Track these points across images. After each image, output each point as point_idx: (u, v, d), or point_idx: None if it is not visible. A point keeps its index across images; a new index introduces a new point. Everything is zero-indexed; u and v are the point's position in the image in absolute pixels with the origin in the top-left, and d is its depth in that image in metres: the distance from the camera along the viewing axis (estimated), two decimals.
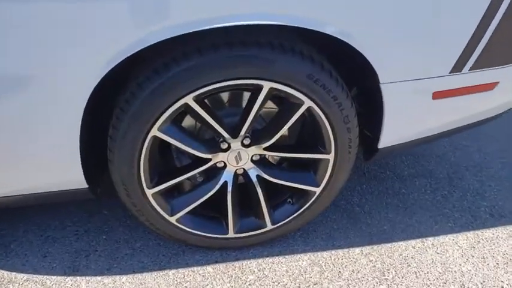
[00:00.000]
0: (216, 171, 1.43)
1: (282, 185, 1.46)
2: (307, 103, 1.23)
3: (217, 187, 1.41)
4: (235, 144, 1.35)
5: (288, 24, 1.12)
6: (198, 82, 1.14)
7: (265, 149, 1.36)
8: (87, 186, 1.36)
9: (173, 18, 1.05)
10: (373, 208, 1.84)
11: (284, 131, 1.30)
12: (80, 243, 1.65)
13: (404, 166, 2.14)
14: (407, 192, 1.95)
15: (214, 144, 1.36)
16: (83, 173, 1.28)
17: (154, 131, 1.21)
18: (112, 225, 1.73)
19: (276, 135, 1.31)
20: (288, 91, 1.20)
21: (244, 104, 1.43)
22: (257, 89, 1.21)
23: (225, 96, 1.42)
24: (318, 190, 1.46)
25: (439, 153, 2.24)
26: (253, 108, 1.23)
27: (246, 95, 1.42)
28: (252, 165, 1.42)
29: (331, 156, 1.37)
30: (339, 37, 1.15)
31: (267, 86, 1.18)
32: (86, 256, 1.59)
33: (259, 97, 1.21)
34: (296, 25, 1.12)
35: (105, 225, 1.74)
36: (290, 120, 1.28)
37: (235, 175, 1.44)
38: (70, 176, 1.29)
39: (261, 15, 1.09)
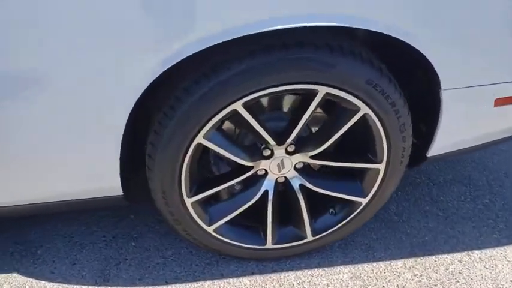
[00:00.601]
0: (255, 180, 1.35)
1: (324, 194, 1.38)
2: (364, 110, 1.15)
3: (258, 196, 1.33)
4: (279, 151, 1.27)
5: (344, 25, 1.03)
6: (250, 87, 1.05)
7: (312, 157, 1.28)
8: (122, 193, 1.29)
9: (225, 21, 0.96)
10: (412, 217, 1.76)
11: (335, 138, 1.21)
12: (109, 250, 1.58)
13: (439, 171, 2.05)
14: (445, 200, 1.86)
15: (256, 151, 1.28)
16: (120, 180, 1.21)
17: (200, 138, 1.13)
18: (141, 231, 1.66)
19: (327, 143, 1.23)
20: (345, 97, 1.12)
21: (284, 108, 1.35)
22: (310, 94, 1.13)
23: (264, 100, 1.34)
24: (364, 201, 1.38)
25: (474, 158, 2.15)
26: (305, 115, 1.15)
27: (286, 99, 1.34)
28: (295, 173, 1.34)
29: (382, 166, 1.29)
30: (399, 38, 1.06)
31: (322, 91, 1.10)
32: (116, 265, 1.53)
33: (312, 103, 1.12)
34: (354, 26, 1.03)
35: (134, 231, 1.67)
36: (343, 128, 1.20)
37: (276, 183, 1.36)
38: (107, 182, 1.21)
39: (320, 16, 1.00)
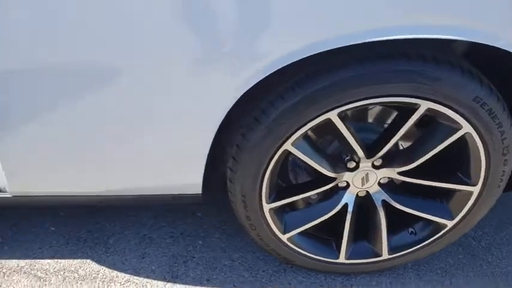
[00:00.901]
0: (335, 191, 1.30)
1: (406, 212, 1.31)
2: (466, 128, 1.07)
3: (337, 209, 1.29)
4: (365, 164, 1.22)
5: (458, 38, 0.96)
6: (349, 97, 1.01)
7: (400, 173, 1.21)
8: (201, 192, 1.29)
9: (332, 30, 0.93)
10: (493, 244, 1.64)
11: (429, 156, 1.14)
12: (177, 247, 1.59)
13: None
14: None
15: (340, 162, 1.24)
16: (202, 179, 1.21)
17: (288, 145, 1.11)
18: (208, 231, 1.66)
19: (419, 160, 1.16)
20: (447, 113, 1.05)
21: (375, 120, 1.29)
22: (410, 108, 1.07)
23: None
24: (450, 223, 1.29)
25: None
26: (401, 129, 1.09)
27: (379, 110, 1.28)
28: (378, 188, 1.28)
29: (476, 189, 1.20)
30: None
31: (424, 105, 1.04)
32: (184, 262, 1.53)
33: (412, 117, 1.06)
34: (468, 39, 0.96)
35: (201, 230, 1.67)
36: (439, 146, 1.12)
37: (356, 197, 1.30)
38: (190, 180, 1.22)
39: (430, 28, 0.94)
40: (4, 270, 1.49)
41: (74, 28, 0.93)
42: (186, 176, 1.22)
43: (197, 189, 1.27)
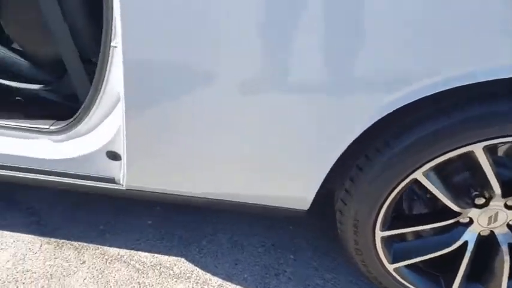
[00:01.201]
0: (454, 226, 1.20)
1: None
2: None
3: (456, 245, 1.19)
4: (497, 203, 1.10)
5: None
6: (500, 131, 0.92)
7: None
8: (306, 208, 1.25)
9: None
10: None
11: None
12: (268, 258, 1.56)
13: None
14: None
15: (467, 197, 1.13)
16: (314, 195, 1.17)
17: (418, 174, 1.03)
18: (299, 245, 1.62)
19: None
20: None
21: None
22: None
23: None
24: None
25: None
26: None
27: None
28: (507, 230, 1.16)
29: None
30: None
31: None
32: (276, 275, 1.50)
33: None
34: None
35: (292, 244, 1.63)
36: None
37: (478, 235, 1.19)
38: (302, 195, 1.18)
39: None
40: (106, 257, 1.55)
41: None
42: (299, 191, 1.19)
43: (305, 205, 1.24)
